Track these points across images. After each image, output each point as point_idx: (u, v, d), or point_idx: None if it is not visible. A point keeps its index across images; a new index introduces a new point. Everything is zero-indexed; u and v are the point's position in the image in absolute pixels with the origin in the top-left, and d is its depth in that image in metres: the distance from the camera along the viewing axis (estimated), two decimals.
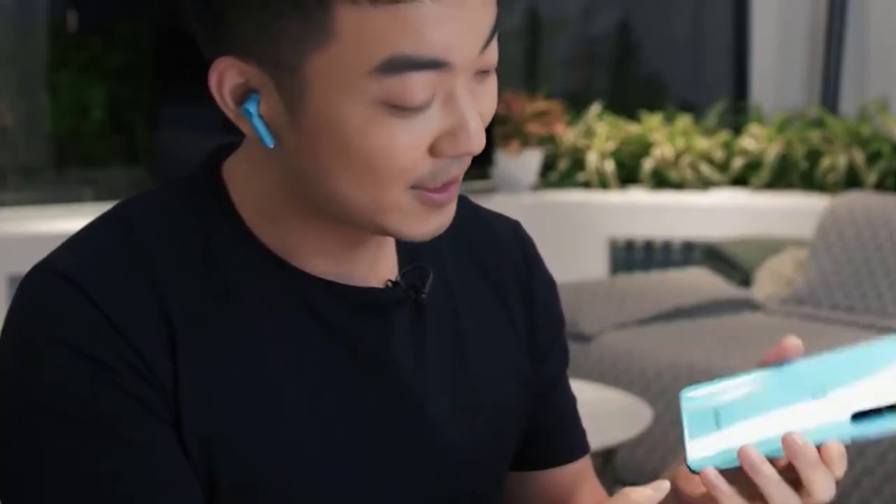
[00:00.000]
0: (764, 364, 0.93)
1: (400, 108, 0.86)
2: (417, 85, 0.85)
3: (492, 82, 0.92)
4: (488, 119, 0.92)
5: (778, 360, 0.93)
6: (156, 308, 0.91)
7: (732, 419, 0.88)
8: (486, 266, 1.08)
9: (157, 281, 0.92)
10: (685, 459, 0.88)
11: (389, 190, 0.89)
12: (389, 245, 1.01)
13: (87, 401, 0.88)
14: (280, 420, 0.93)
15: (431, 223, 0.92)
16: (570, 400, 1.15)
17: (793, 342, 0.92)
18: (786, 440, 0.85)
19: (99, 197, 4.50)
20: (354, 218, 0.91)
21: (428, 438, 0.99)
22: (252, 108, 0.89)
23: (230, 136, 1.00)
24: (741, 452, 0.86)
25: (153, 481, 0.89)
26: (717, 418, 0.88)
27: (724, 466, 0.86)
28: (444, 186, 0.91)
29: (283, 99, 0.88)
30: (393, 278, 1.00)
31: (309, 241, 0.96)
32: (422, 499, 0.99)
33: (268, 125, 0.90)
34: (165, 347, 0.91)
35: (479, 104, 0.90)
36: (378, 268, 1.00)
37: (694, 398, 0.91)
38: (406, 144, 0.87)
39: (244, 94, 0.90)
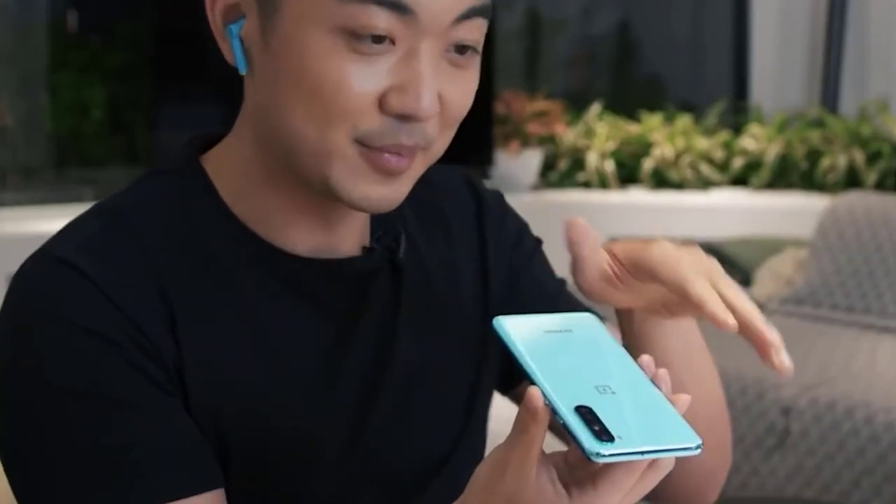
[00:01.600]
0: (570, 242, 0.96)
1: (358, 40, 0.88)
2: (378, 18, 0.87)
3: (468, 76, 0.93)
4: (456, 112, 0.93)
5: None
6: (153, 288, 0.93)
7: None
8: (446, 223, 1.12)
9: (153, 263, 0.94)
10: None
11: (334, 131, 0.90)
12: (364, 217, 1.04)
13: (95, 375, 0.89)
14: (279, 388, 0.97)
15: (376, 189, 0.93)
16: (555, 280, 1.18)
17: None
18: (529, 392, 0.78)
19: (99, 197, 4.46)
20: (303, 162, 0.93)
21: (402, 403, 1.03)
22: (234, 29, 0.93)
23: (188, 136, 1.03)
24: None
25: (167, 449, 0.90)
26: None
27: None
28: (394, 154, 0.92)
29: (260, 22, 0.92)
30: (368, 244, 1.03)
31: (289, 218, 0.98)
32: (405, 452, 1.04)
33: (246, 51, 0.94)
34: (166, 324, 0.93)
35: (445, 85, 0.91)
36: (354, 240, 1.03)
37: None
38: (357, 82, 0.89)
39: (234, 16, 0.94)
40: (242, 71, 0.94)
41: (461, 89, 0.93)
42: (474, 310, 1.11)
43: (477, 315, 1.10)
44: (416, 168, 0.95)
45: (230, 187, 0.99)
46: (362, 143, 0.91)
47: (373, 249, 1.03)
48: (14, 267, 0.95)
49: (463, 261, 1.11)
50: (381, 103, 0.90)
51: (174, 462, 0.90)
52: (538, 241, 1.19)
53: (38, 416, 0.90)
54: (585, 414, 0.76)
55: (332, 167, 0.92)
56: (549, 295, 1.15)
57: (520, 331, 0.83)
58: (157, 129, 4.54)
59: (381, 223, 1.05)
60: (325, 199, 0.96)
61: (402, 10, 0.88)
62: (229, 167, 0.99)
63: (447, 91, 0.92)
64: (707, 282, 0.87)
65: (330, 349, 1.00)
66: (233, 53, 0.94)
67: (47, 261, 0.93)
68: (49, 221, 4.01)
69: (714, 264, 0.90)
